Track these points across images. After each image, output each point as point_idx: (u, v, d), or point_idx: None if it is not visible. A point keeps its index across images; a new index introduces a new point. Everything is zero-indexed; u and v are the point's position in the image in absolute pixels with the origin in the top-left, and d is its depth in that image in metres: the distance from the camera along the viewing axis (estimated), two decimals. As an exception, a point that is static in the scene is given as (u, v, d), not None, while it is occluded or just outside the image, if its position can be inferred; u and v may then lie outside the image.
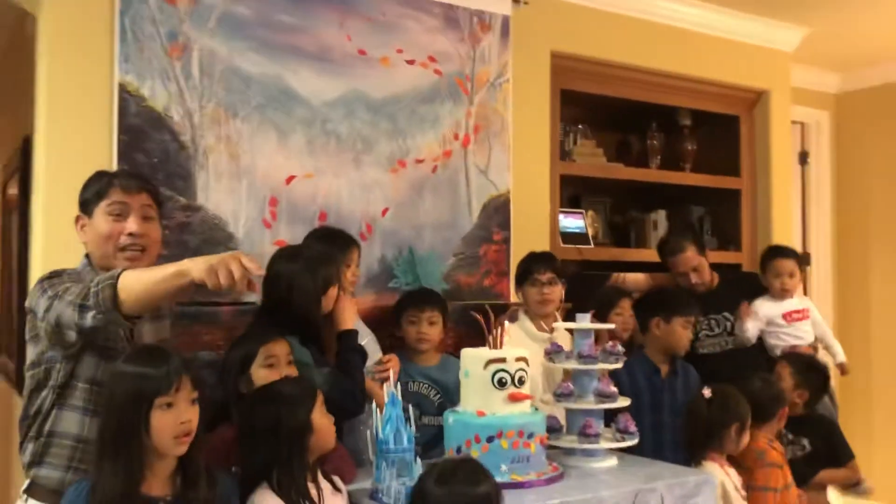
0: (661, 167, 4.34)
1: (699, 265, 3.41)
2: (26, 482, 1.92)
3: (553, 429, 2.42)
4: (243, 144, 2.82)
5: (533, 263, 2.95)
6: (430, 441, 2.56)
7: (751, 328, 3.26)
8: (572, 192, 4.14)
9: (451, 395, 2.61)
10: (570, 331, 2.62)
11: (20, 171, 3.12)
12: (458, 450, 2.20)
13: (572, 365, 2.44)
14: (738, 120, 4.29)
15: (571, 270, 3.25)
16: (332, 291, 2.32)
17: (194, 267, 1.68)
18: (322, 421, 1.88)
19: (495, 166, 3.39)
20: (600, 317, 3.03)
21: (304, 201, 2.93)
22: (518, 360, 2.23)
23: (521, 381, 2.23)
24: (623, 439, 2.40)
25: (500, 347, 2.29)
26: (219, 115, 2.78)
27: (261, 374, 2.07)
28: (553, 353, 2.49)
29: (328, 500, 1.84)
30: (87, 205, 2.05)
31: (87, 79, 2.59)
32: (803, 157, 5.16)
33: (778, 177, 4.29)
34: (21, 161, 3.06)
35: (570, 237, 3.80)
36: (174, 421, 1.60)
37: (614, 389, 2.40)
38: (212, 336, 2.61)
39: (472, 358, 2.25)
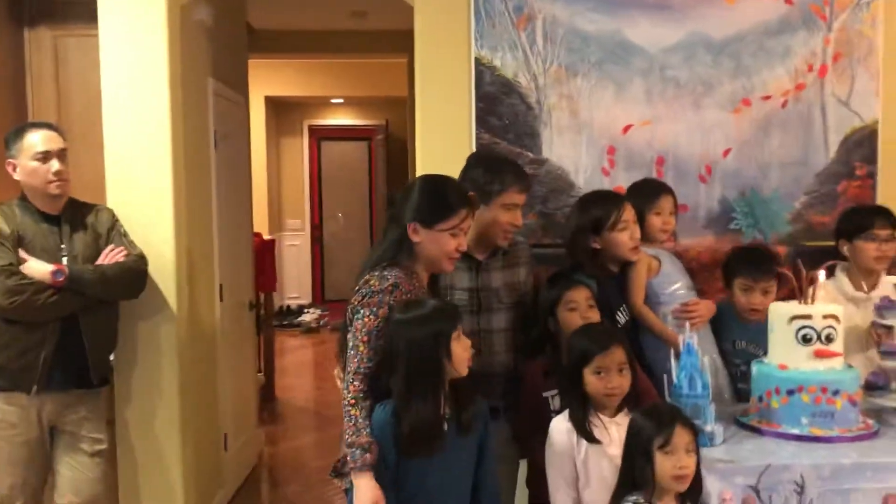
0: None
1: None
2: None
3: (877, 386, 2.34)
4: (583, 100, 3.09)
5: (872, 217, 2.74)
6: None
7: None
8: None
9: None
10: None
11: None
12: (760, 399, 2.29)
13: (900, 322, 2.31)
14: None
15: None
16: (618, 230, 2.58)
17: None
18: (591, 378, 2.13)
19: (859, 95, 3.14)
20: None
21: (641, 148, 3.11)
22: (827, 317, 2.21)
23: (829, 339, 2.21)
24: (957, 404, 2.23)
25: (812, 303, 2.27)
26: (560, 75, 3.08)
27: (565, 317, 2.39)
28: (884, 308, 2.38)
29: (616, 433, 2.11)
30: (486, 196, 2.50)
31: (450, 56, 3.08)
32: None
33: None
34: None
35: (966, 165, 3.34)
36: (465, 347, 2.06)
37: (948, 351, 2.23)
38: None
39: (778, 313, 2.28)
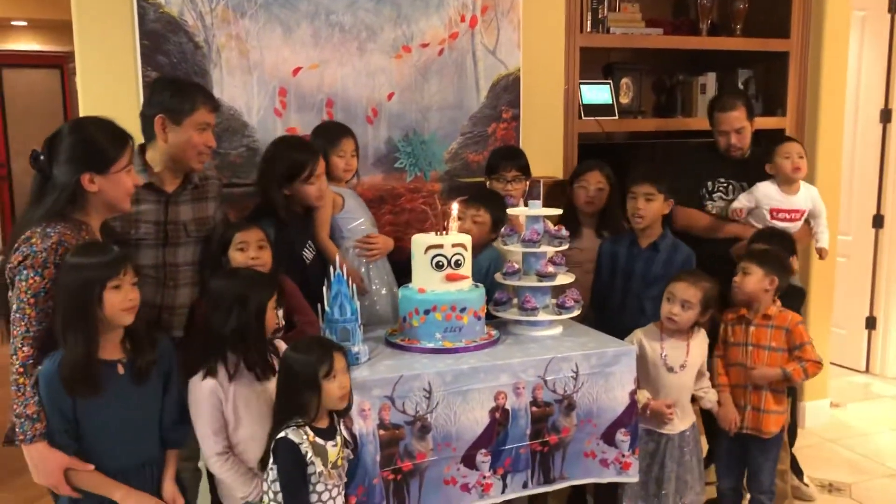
0: (712, 28, 4.26)
1: (743, 129, 3.44)
2: None
3: (501, 302, 2.74)
4: (251, 41, 3.14)
5: (501, 160, 3.14)
6: None
7: (743, 201, 3.34)
8: (609, 61, 4.16)
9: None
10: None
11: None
12: (404, 319, 2.58)
13: (518, 248, 2.71)
14: (791, -26, 4.07)
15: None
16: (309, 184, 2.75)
17: None
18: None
19: (504, 45, 3.52)
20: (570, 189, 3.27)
21: (311, 90, 3.25)
22: (455, 245, 2.53)
23: (458, 264, 2.54)
24: (560, 313, 2.68)
25: (447, 233, 2.59)
26: (227, 15, 3.10)
27: (235, 257, 2.50)
28: (506, 236, 2.76)
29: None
30: (177, 117, 2.51)
31: (109, -9, 2.98)
32: (894, 6, 4.80)
33: (832, 36, 4.08)
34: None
35: (592, 109, 3.89)
36: (122, 299, 2.05)
37: (552, 270, 2.66)
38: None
39: (417, 244, 2.57)
